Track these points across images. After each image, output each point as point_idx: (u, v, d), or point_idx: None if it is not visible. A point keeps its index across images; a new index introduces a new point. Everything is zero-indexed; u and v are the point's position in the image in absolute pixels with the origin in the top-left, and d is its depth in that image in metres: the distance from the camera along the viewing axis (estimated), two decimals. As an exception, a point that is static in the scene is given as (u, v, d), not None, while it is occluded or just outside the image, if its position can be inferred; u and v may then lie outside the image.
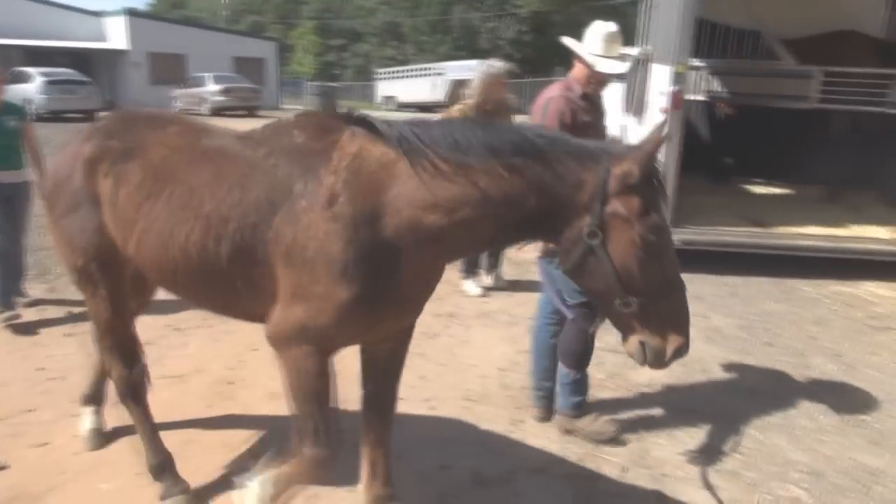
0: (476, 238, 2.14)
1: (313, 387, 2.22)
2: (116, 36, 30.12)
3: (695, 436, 3.45)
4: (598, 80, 3.31)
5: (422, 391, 3.85)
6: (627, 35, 4.13)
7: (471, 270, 5.61)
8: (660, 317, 2.00)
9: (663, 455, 3.27)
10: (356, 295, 2.03)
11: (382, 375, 2.56)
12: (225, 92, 24.08)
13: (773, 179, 7.94)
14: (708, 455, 3.28)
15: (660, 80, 5.96)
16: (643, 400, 3.82)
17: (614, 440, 3.35)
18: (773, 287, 5.70)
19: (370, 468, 2.63)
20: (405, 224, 2.02)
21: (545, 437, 3.42)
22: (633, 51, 6.57)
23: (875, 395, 3.90)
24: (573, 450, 3.31)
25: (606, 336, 4.66)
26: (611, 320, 2.11)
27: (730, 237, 5.98)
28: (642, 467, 3.18)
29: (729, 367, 4.23)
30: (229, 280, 2.24)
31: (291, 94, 37.98)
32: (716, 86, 7.08)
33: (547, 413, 3.58)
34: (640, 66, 6.83)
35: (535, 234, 2.16)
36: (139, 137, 2.47)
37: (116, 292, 2.65)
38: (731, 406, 3.74)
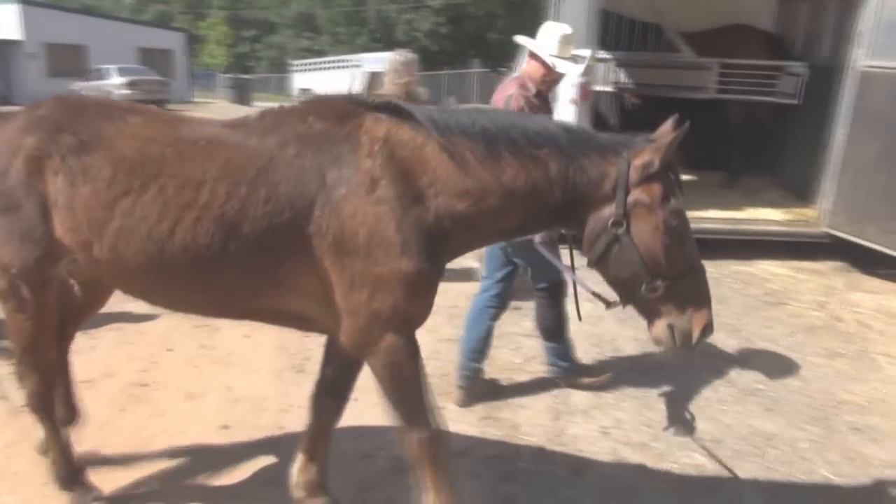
0: (503, 227, 2.20)
1: (410, 371, 2.22)
2: (8, 25, 28.21)
3: (608, 412, 3.60)
4: (553, 80, 3.50)
5: (343, 384, 3.85)
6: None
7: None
8: (684, 298, 2.09)
9: (578, 432, 3.41)
10: (418, 267, 2.04)
11: (345, 363, 2.52)
12: (130, 85, 22.98)
13: (677, 166, 8.28)
14: (620, 429, 3.44)
15: (570, 71, 6.13)
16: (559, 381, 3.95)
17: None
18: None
19: (309, 452, 2.63)
20: (443, 209, 2.07)
21: (465, 422, 3.48)
22: (583, 51, 6.76)
23: (770, 365, 4.18)
24: (492, 432, 3.40)
25: (523, 321, 4.82)
26: (637, 308, 2.21)
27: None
28: (559, 445, 3.30)
29: (639, 346, 4.43)
30: (242, 278, 2.17)
31: (203, 87, 36.72)
32: (623, 77, 7.35)
33: (469, 395, 3.70)
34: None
35: (559, 223, 2.28)
36: (95, 129, 2.21)
37: (46, 305, 2.40)
38: (640, 383, 3.92)
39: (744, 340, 4.52)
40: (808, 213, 6.37)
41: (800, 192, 6.55)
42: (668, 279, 2.06)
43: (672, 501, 2.89)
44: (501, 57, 28.18)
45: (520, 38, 3.60)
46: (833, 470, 3.12)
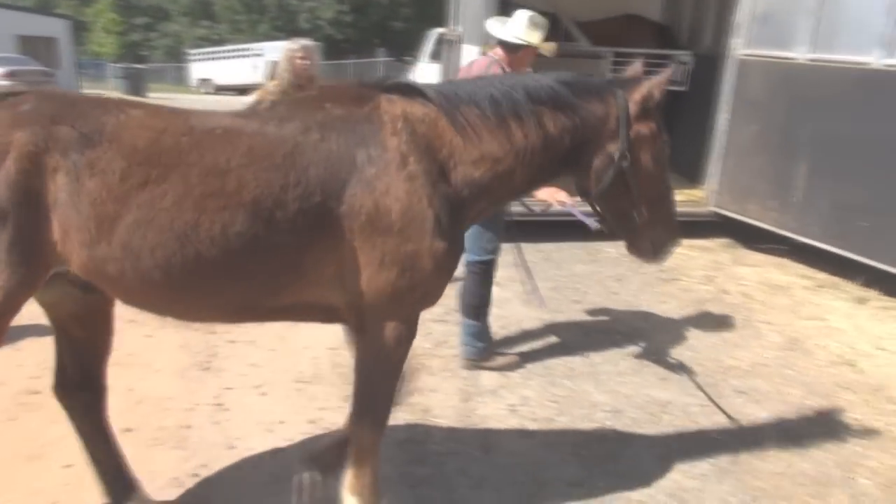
0: (517, 185, 2.31)
1: (401, 356, 2.30)
2: None
3: (515, 391, 3.72)
4: (520, 62, 3.68)
5: (252, 378, 3.80)
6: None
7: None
8: (660, 216, 2.35)
9: (487, 412, 3.51)
10: (448, 245, 2.13)
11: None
12: (9, 75, 21.33)
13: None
14: (527, 406, 3.57)
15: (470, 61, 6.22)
16: (469, 363, 4.04)
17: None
18: (581, 251, 6.23)
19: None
20: (461, 179, 2.16)
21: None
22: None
23: (664, 337, 4.44)
24: (404, 417, 3.44)
25: (434, 308, 4.88)
26: (626, 235, 2.44)
27: (537, 206, 6.41)
28: (469, 425, 3.38)
29: (544, 325, 4.60)
30: (269, 269, 2.10)
31: (92, 78, 34.60)
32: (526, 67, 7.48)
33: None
34: (453, 47, 7.08)
35: (566, 170, 2.36)
36: (95, 121, 2.03)
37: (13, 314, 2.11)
38: (545, 360, 4.08)
39: (641, 316, 4.78)
40: (696, 193, 6.77)
41: (689, 174, 6.94)
42: (653, 203, 2.31)
43: (576, 471, 3.03)
44: (407, 46, 28.14)
45: (490, 23, 3.82)
46: (721, 430, 3.37)
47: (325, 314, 2.34)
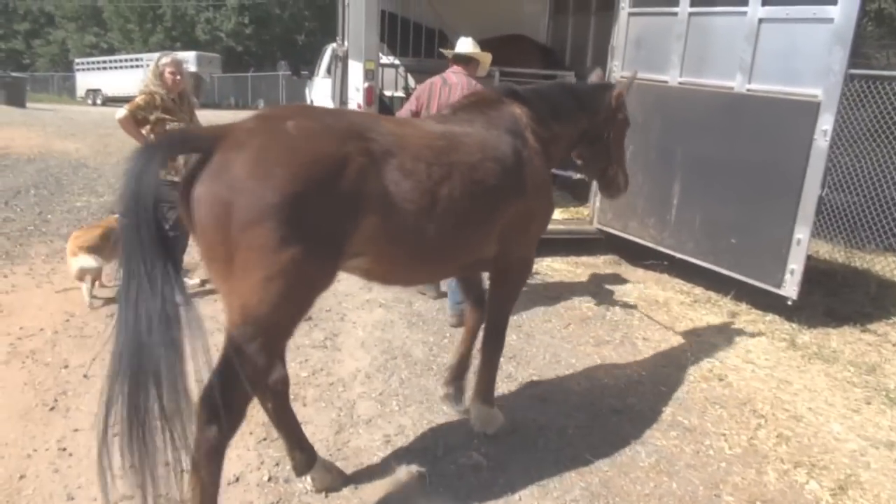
0: (560, 156, 3.49)
1: (524, 282, 3.43)
2: None
3: (392, 420, 3.59)
4: (472, 71, 4.98)
5: (105, 419, 3.48)
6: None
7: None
8: (622, 170, 3.68)
9: (361, 444, 3.35)
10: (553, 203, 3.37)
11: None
12: None
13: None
14: (403, 436, 3.44)
15: (355, 76, 6.11)
16: (346, 391, 3.88)
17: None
18: (470, 269, 6.20)
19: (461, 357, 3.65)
20: (547, 156, 3.20)
21: (242, 446, 3.29)
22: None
23: (545, 357, 4.43)
24: (270, 454, 3.24)
25: (314, 332, 4.70)
26: (602, 182, 3.74)
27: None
28: (339, 459, 3.21)
29: (427, 349, 4.49)
30: (480, 234, 2.88)
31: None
32: (413, 83, 7.47)
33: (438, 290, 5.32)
34: (340, 63, 6.93)
35: (577, 145, 3.55)
36: (382, 133, 2.48)
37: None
38: (426, 387, 3.97)
39: (524, 336, 4.76)
40: (583, 211, 6.91)
41: (575, 192, 7.08)
42: (619, 162, 3.65)
43: (448, 504, 2.92)
44: (310, 60, 27.68)
45: (447, 51, 5.11)
46: (595, 451, 3.36)
47: (481, 266, 3.25)
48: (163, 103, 4.90)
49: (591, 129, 3.46)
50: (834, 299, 5.74)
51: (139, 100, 4.91)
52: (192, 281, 5.50)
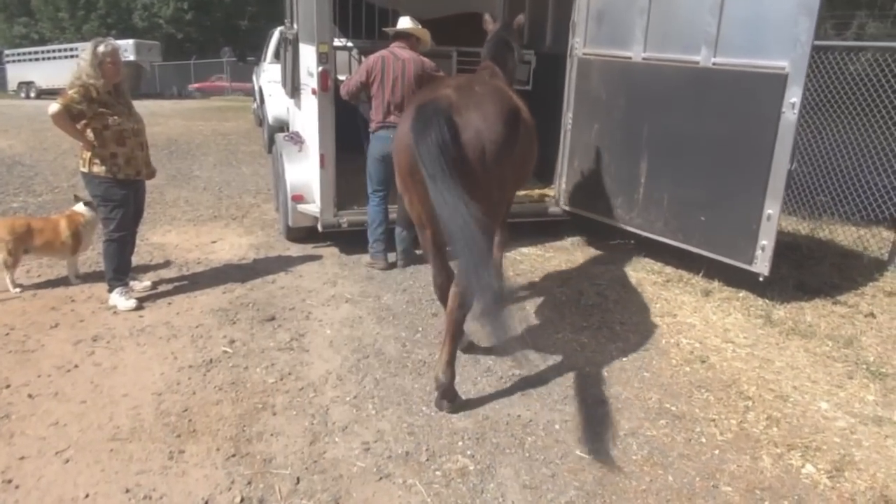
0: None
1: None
2: None
3: (369, 425, 3.38)
4: (413, 47, 5.53)
5: (54, 441, 3.19)
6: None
7: (119, 279, 4.85)
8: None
9: (338, 454, 3.14)
10: None
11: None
12: None
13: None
14: (382, 442, 3.24)
15: (308, 60, 5.80)
16: (317, 397, 3.65)
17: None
18: (437, 258, 5.99)
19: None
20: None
21: (210, 465, 3.04)
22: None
23: (524, 348, 4.27)
24: (241, 472, 3.00)
25: (279, 333, 4.45)
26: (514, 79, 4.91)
27: (394, 213, 6.11)
28: (317, 473, 3.00)
29: (400, 345, 4.29)
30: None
31: None
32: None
33: (387, 262, 5.71)
34: (290, 46, 6.60)
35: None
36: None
37: None
38: (403, 386, 3.77)
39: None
40: (549, 193, 6.75)
41: (541, 174, 6.92)
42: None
43: (436, 515, 2.74)
44: (254, 45, 26.80)
45: (390, 30, 5.63)
46: (585, 448, 3.22)
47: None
48: (99, 96, 4.54)
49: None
50: (802, 272, 5.74)
51: (73, 92, 4.52)
52: (142, 283, 5.16)
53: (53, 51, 30.02)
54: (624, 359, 4.15)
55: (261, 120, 12.72)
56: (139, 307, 4.80)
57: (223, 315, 4.71)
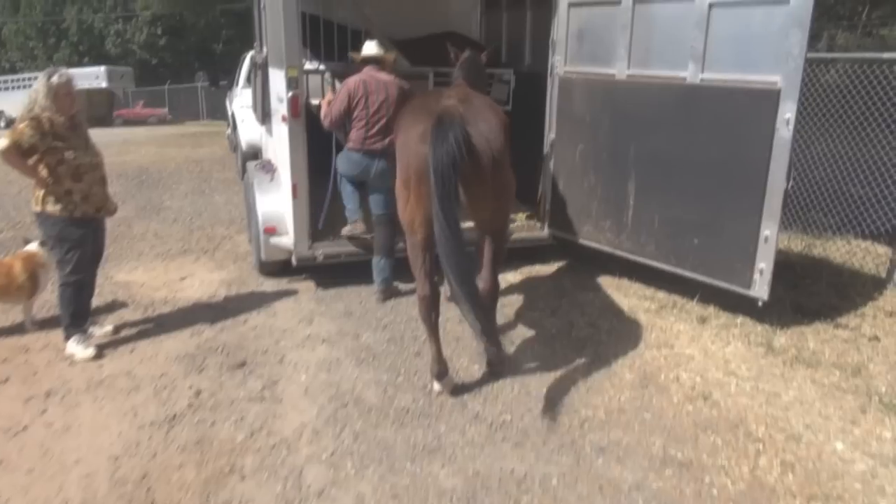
0: None
1: None
2: None
3: (347, 488, 3.06)
4: (382, 69, 5.37)
5: (-9, 524, 2.83)
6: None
7: (77, 325, 4.50)
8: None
9: (313, 524, 2.82)
10: None
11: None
12: None
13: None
14: (362, 508, 2.92)
15: (277, 85, 5.52)
16: (291, 455, 3.32)
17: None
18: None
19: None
20: None
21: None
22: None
23: (514, 389, 3.98)
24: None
25: (250, 380, 4.12)
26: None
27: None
28: (289, 549, 2.68)
29: (381, 391, 3.97)
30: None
31: None
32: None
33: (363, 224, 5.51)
34: (260, 71, 6.32)
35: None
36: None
37: None
38: (385, 439, 3.45)
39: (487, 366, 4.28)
40: (532, 217, 6.49)
41: (523, 197, 6.66)
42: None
43: None
44: (228, 69, 26.47)
45: (356, 54, 5.50)
46: (586, 505, 2.93)
47: None
48: (52, 128, 4.22)
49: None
50: (798, 292, 5.52)
51: (23, 126, 4.21)
52: (103, 329, 4.80)
53: (24, 79, 29.51)
54: (622, 398, 3.87)
55: (235, 146, 12.41)
56: (99, 355, 4.45)
57: (190, 362, 4.37)
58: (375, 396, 3.91)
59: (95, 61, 32.51)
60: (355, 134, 5.21)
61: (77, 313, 4.50)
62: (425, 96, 4.32)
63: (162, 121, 29.89)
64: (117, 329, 4.88)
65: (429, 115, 3.53)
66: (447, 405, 3.80)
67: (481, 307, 3.50)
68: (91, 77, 27.83)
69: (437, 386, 3.91)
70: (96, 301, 5.23)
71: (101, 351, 4.49)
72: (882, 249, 6.15)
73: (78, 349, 4.45)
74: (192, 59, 37.68)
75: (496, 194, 3.69)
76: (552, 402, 3.81)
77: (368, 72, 5.24)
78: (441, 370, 3.90)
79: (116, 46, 36.94)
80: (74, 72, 21.98)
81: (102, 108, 28.42)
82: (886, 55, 5.92)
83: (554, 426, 3.57)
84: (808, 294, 5.52)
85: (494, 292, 4.03)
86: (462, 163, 3.26)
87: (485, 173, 3.51)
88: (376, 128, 5.13)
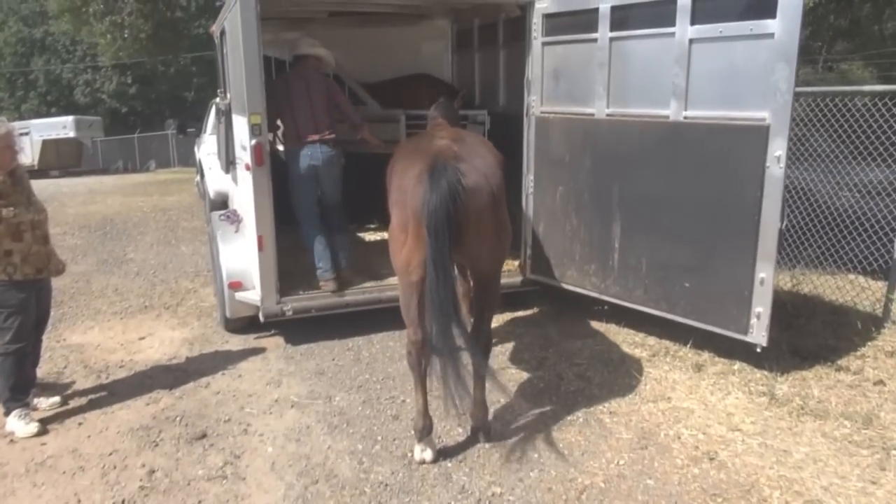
0: None
1: None
2: None
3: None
4: (315, 67, 5.70)
5: None
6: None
7: (18, 399, 4.08)
8: None
9: None
10: None
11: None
12: None
13: (382, 224, 7.90)
14: None
15: (241, 132, 5.23)
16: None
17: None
18: (394, 342, 5.33)
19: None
20: None
21: None
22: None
23: (502, 454, 3.63)
24: None
25: (209, 456, 3.63)
26: None
27: (349, 296, 5.49)
28: None
29: (356, 463, 3.60)
30: None
31: None
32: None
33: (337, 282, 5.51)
34: (224, 118, 6.04)
35: None
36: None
37: None
38: (359, 522, 3.07)
39: (471, 429, 3.93)
40: (513, 262, 6.21)
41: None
42: None
43: None
44: (200, 117, 26.18)
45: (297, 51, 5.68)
46: None
47: None
48: None
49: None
50: (793, 334, 5.27)
51: None
52: (49, 400, 4.37)
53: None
54: (621, 462, 3.53)
55: (203, 193, 12.06)
56: (42, 432, 4.02)
57: (144, 435, 3.96)
58: (350, 470, 3.54)
59: (64, 111, 32.08)
60: (288, 133, 5.56)
61: (18, 385, 4.09)
62: (417, 138, 4.28)
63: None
64: (66, 399, 4.45)
65: (423, 156, 3.50)
66: (429, 477, 3.44)
67: (471, 364, 3.48)
68: (58, 127, 27.34)
69: (419, 451, 3.58)
70: (45, 367, 4.83)
71: (44, 427, 4.06)
72: (875, 285, 5.95)
73: (18, 425, 4.02)
74: (164, 106, 37.40)
75: (496, 233, 3.62)
76: (545, 470, 3.47)
77: (291, 72, 5.64)
78: (426, 426, 3.60)
79: (86, 96, 36.57)
80: (41, 122, 21.51)
81: (70, 159, 27.95)
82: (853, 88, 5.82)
83: (547, 499, 3.22)
84: (804, 334, 5.27)
85: (488, 345, 3.83)
86: (459, 205, 3.22)
87: (483, 210, 3.44)
88: (309, 121, 5.42)
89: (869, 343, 5.10)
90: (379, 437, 3.86)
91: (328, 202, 5.70)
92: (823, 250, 6.32)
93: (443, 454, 3.63)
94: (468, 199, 3.29)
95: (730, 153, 4.36)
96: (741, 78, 4.27)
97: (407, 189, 3.48)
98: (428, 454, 3.55)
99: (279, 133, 5.79)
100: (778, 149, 4.11)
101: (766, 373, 4.55)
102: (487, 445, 3.73)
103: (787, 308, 5.87)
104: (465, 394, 3.34)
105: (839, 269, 6.22)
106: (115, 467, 3.63)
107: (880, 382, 4.42)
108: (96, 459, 3.71)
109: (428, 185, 3.24)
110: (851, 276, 6.09)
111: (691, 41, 4.48)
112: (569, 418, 4.03)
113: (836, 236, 6.11)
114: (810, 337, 5.23)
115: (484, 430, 3.77)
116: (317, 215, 5.61)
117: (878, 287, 5.84)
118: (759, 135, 4.17)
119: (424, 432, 3.59)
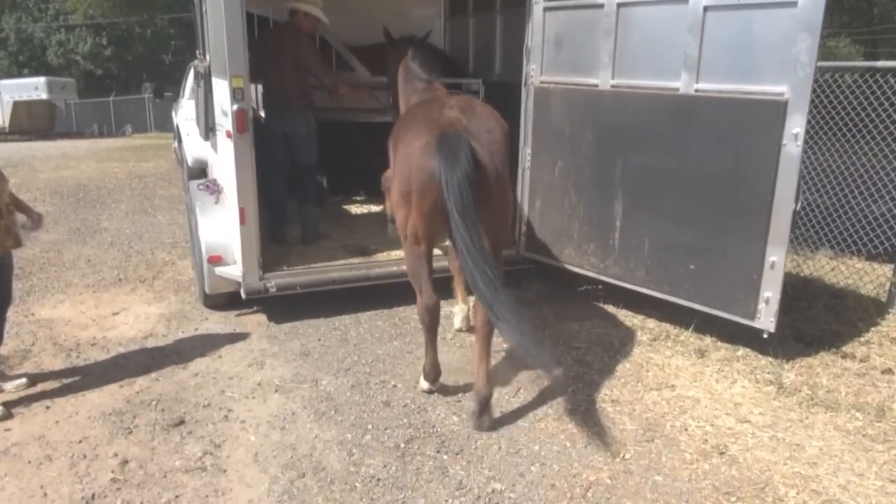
0: None
1: None
2: None
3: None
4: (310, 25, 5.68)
5: None
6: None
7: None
8: None
9: None
10: None
11: None
12: None
13: (371, 197, 7.61)
14: None
15: (222, 97, 4.89)
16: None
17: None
18: (384, 321, 5.10)
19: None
20: None
21: None
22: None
23: (501, 446, 3.42)
24: None
25: (187, 445, 3.39)
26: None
27: (335, 272, 5.22)
28: None
29: (346, 454, 3.37)
30: None
31: None
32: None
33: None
34: (203, 81, 5.67)
35: None
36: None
37: None
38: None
39: (466, 420, 3.71)
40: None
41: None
42: None
43: None
44: (178, 81, 25.38)
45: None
46: None
47: None
48: None
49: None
50: (795, 317, 5.11)
51: None
52: (14, 381, 4.08)
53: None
54: (627, 456, 3.34)
55: (181, 160, 11.62)
56: (6, 416, 3.74)
57: (117, 421, 3.70)
58: (339, 462, 3.31)
59: (36, 72, 31.02)
60: (267, 88, 5.63)
61: (-21, 366, 3.79)
62: (423, 105, 4.03)
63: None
64: (33, 380, 4.16)
65: (430, 126, 3.46)
66: (424, 471, 3.22)
67: (525, 318, 3.39)
68: (30, 88, 26.43)
69: (425, 384, 3.94)
70: (11, 344, 4.54)
71: (8, 411, 3.78)
72: (879, 269, 5.80)
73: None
74: (140, 69, 36.34)
75: (501, 209, 3.59)
76: (547, 464, 3.27)
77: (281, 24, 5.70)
78: (436, 374, 3.93)
79: (59, 56, 35.40)
80: (12, 82, 20.70)
81: (43, 121, 27.09)
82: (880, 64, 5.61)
83: (550, 496, 3.02)
84: (806, 319, 5.11)
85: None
86: (471, 180, 3.20)
87: (490, 188, 3.40)
88: (280, 80, 5.47)
89: (873, 329, 4.96)
90: (369, 426, 3.63)
91: (300, 170, 5.76)
92: (826, 231, 6.17)
93: (439, 446, 3.41)
94: (478, 175, 3.27)
95: (743, 129, 4.12)
96: (759, 49, 4.02)
97: (411, 160, 3.45)
98: (432, 388, 3.94)
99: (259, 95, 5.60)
100: (796, 126, 3.88)
101: (771, 359, 4.38)
102: (485, 435, 3.52)
103: (788, 291, 5.69)
104: (543, 350, 3.71)
105: (842, 251, 6.07)
106: (84, 457, 3.36)
107: (888, 371, 4.27)
108: (65, 448, 3.44)
109: (444, 162, 3.20)
110: (854, 261, 5.94)
111: (706, 8, 4.21)
112: (569, 407, 3.83)
113: (843, 220, 5.95)
114: (813, 322, 5.07)
115: (483, 405, 3.61)
116: (282, 182, 5.73)
117: (882, 270, 5.70)
118: (776, 110, 3.94)
119: (432, 376, 3.92)
